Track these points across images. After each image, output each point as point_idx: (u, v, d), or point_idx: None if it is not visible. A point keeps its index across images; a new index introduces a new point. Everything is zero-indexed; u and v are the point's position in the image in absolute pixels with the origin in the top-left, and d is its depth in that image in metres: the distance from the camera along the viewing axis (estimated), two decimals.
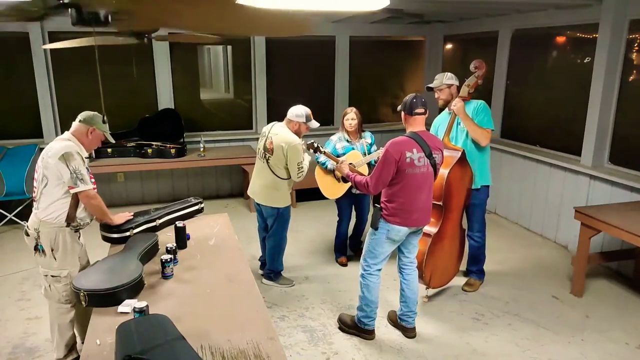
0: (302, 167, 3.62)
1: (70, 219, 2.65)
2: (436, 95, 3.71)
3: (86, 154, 2.73)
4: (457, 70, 6.77)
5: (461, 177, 3.52)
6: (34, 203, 2.70)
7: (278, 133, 3.65)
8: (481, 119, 3.58)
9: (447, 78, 3.64)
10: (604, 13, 4.18)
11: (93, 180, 2.74)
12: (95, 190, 2.72)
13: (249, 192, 3.93)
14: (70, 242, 2.69)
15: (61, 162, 2.55)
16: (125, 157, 5.55)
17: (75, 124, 2.75)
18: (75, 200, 2.65)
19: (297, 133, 3.66)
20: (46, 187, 2.61)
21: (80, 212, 2.71)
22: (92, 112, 2.76)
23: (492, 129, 3.60)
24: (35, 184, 2.70)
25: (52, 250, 2.64)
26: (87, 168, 2.68)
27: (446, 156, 3.45)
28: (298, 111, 3.64)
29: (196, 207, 3.44)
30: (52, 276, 2.68)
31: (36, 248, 2.66)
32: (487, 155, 3.73)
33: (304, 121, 3.65)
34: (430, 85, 3.70)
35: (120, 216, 2.95)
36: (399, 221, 2.94)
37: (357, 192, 4.11)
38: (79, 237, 2.79)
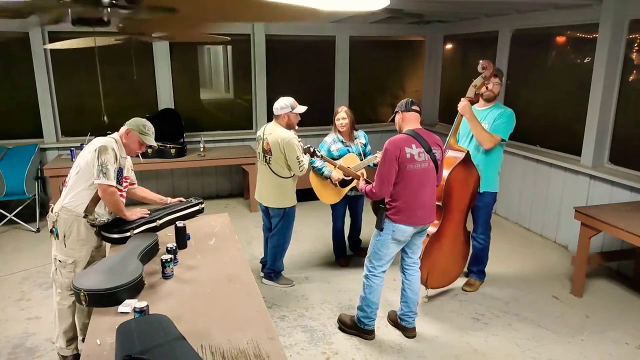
0: (301, 160, 3.62)
1: (88, 211, 2.75)
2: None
3: (124, 155, 2.87)
4: (457, 71, 6.84)
5: (464, 178, 3.47)
6: (64, 189, 2.82)
7: (272, 132, 3.66)
8: (499, 124, 3.52)
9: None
10: (604, 13, 4.18)
11: (128, 183, 2.91)
12: (119, 189, 2.80)
13: (255, 197, 3.93)
14: (85, 233, 2.77)
15: (95, 153, 2.69)
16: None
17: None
18: (97, 194, 2.74)
19: (290, 125, 3.67)
20: (77, 174, 2.75)
21: (99, 208, 2.79)
22: (137, 118, 2.90)
23: (503, 138, 3.53)
24: (69, 172, 2.83)
25: (64, 236, 2.72)
26: (119, 169, 2.77)
27: (449, 157, 3.44)
28: (281, 103, 3.66)
29: (197, 208, 3.43)
30: (59, 261, 2.76)
31: (51, 230, 2.76)
32: (494, 160, 3.64)
33: (290, 110, 3.65)
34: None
35: (135, 212, 2.98)
36: (404, 219, 2.93)
37: (352, 193, 4.09)
38: (96, 231, 2.85)
